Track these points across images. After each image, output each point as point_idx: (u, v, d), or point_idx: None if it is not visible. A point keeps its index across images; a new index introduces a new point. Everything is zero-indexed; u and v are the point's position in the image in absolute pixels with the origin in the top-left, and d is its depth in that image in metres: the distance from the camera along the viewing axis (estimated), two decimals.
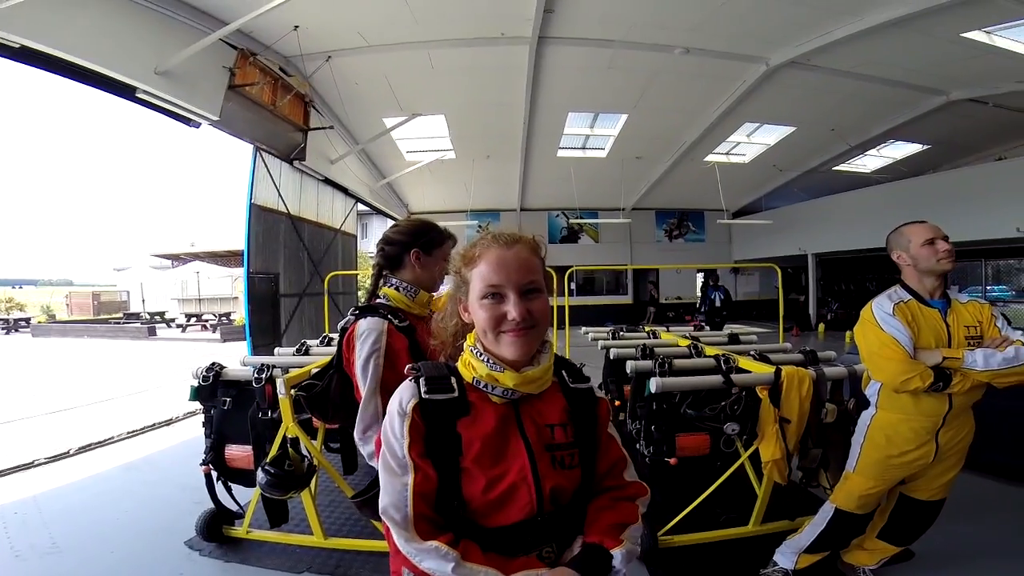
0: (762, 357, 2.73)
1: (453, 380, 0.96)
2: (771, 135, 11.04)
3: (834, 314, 13.53)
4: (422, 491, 0.89)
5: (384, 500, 0.90)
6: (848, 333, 9.80)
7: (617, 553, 0.89)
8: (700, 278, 17.31)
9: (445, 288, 1.53)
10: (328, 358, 2.19)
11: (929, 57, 7.35)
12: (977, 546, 2.47)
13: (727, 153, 12.01)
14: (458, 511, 0.90)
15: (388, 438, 0.93)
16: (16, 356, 11.08)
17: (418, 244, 1.68)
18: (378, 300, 1.68)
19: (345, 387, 1.66)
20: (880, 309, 1.91)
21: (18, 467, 3.75)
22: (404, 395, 0.95)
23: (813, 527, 2.16)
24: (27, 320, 17.45)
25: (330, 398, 1.73)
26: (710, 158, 11.90)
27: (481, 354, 0.94)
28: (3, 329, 16.55)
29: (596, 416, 1.02)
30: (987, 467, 3.12)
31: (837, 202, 12.39)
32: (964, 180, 9.79)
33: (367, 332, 1.53)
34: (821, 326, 12.74)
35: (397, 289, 1.66)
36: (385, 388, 1.53)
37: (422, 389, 0.94)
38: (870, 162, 12.51)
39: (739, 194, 14.46)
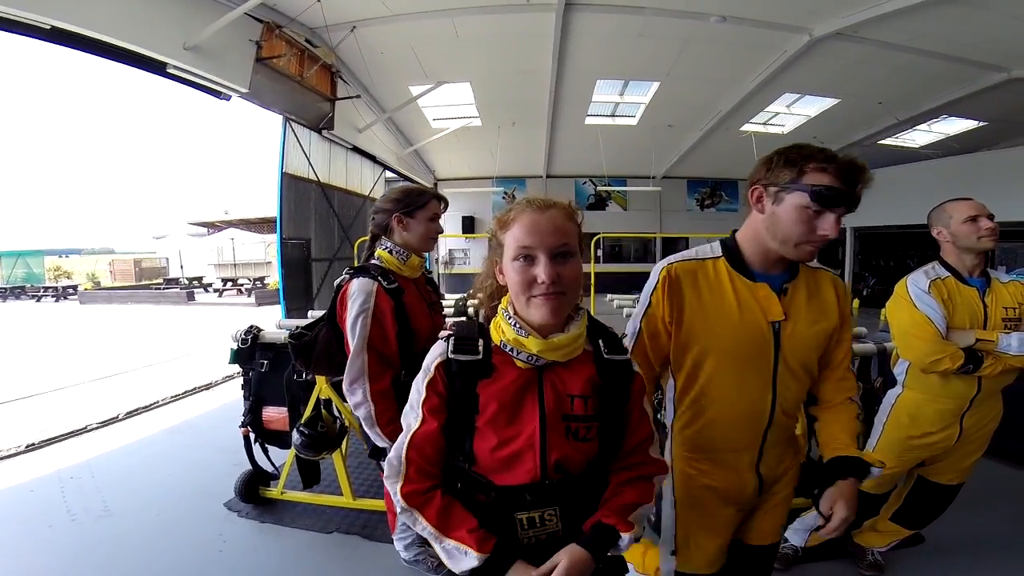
0: None
1: (480, 343, 0.99)
2: (812, 106, 10.49)
3: (871, 290, 13.07)
4: (419, 442, 0.96)
5: (394, 447, 1.00)
6: (883, 310, 9.45)
7: (626, 537, 0.94)
8: None
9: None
10: None
11: (989, 33, 6.78)
12: (990, 535, 2.42)
13: (764, 123, 11.51)
14: (464, 465, 0.96)
15: (412, 392, 1.01)
16: (67, 323, 11.67)
17: (399, 209, 1.77)
18: (372, 262, 1.77)
19: (336, 340, 1.77)
20: (915, 286, 1.85)
21: (73, 432, 3.97)
22: (434, 352, 1.00)
23: None
24: (75, 287, 18.28)
25: (316, 348, 1.84)
26: (746, 128, 11.43)
27: (511, 317, 0.96)
28: (53, 297, 17.41)
29: (629, 392, 1.01)
30: (1007, 453, 3.00)
31: (882, 176, 11.52)
32: (1021, 159, 9.15)
33: (357, 292, 1.63)
34: (856, 301, 12.21)
35: (390, 252, 1.77)
36: (371, 345, 1.62)
37: (450, 348, 0.98)
38: (919, 137, 11.79)
39: None
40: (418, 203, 1.79)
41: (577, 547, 0.91)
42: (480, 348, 0.98)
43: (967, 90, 8.67)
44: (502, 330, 0.97)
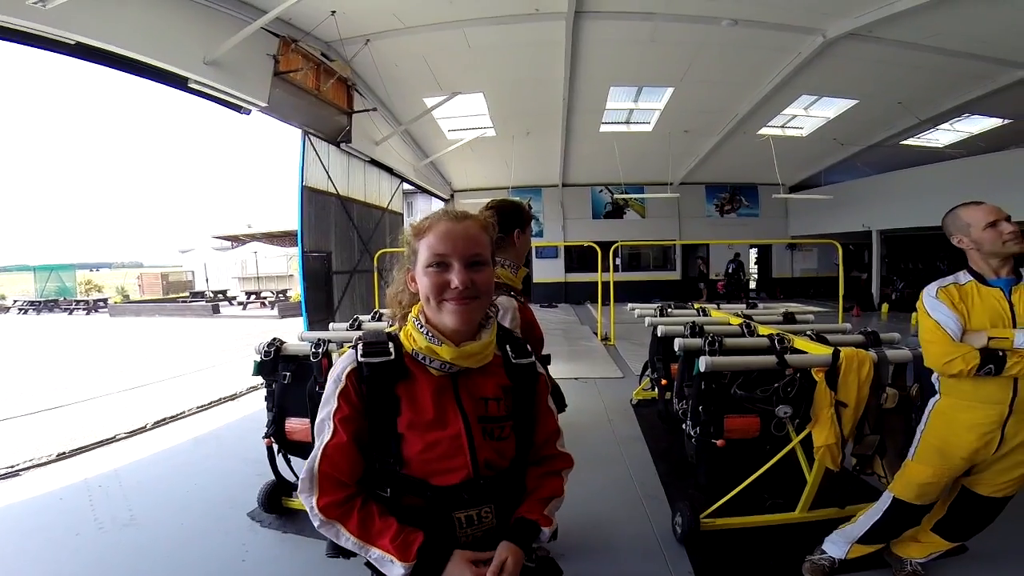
0: (819, 338, 2.60)
1: (391, 345, 0.99)
2: (831, 108, 10.38)
3: (899, 294, 12.75)
4: (331, 453, 0.94)
5: (307, 461, 0.96)
6: (914, 314, 9.21)
7: (546, 531, 1.02)
8: (754, 253, 16.70)
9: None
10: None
11: (1008, 28, 6.65)
12: None
13: (782, 126, 11.39)
14: (394, 468, 0.95)
15: (322, 404, 0.98)
16: (97, 336, 11.96)
17: (518, 224, 1.78)
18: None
19: None
20: (927, 294, 1.86)
21: (102, 441, 4.05)
22: (343, 362, 0.99)
23: (868, 517, 2.08)
24: (105, 301, 18.74)
25: None
26: (764, 131, 11.33)
27: (422, 326, 0.97)
28: (84, 310, 17.88)
29: (535, 391, 1.08)
30: None
31: (906, 177, 11.56)
32: None
33: (507, 307, 1.59)
34: (885, 306, 12.03)
35: (503, 266, 1.73)
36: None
37: (359, 354, 0.97)
38: (943, 136, 11.54)
39: (796, 168, 13.75)
40: (527, 218, 1.84)
41: (512, 544, 0.95)
42: (391, 350, 0.98)
43: (988, 88, 8.49)
44: (413, 338, 0.97)
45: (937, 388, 1.92)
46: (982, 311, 1.76)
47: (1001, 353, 1.68)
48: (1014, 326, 1.71)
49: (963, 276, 1.86)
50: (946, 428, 1.85)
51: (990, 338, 1.70)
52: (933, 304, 1.82)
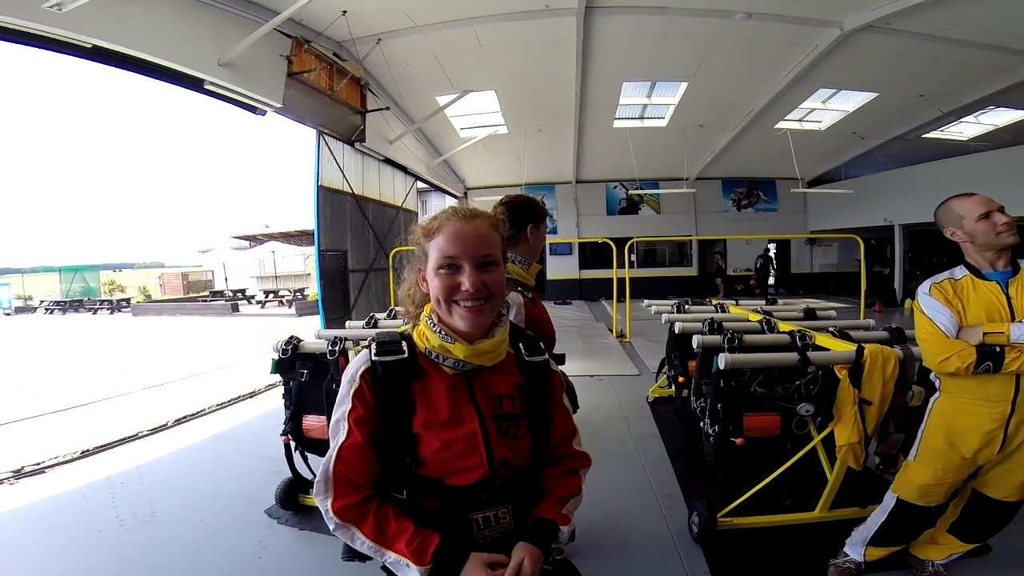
0: (842, 334, 2.54)
1: (404, 344, 0.98)
2: (849, 101, 10.14)
3: None
4: (346, 455, 0.93)
5: (322, 462, 0.96)
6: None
7: (565, 530, 1.00)
8: (773, 248, 16.49)
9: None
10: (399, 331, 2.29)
11: None
12: None
13: (800, 120, 11.18)
14: (410, 468, 0.94)
15: (336, 405, 0.98)
16: (121, 334, 12.22)
17: (532, 220, 1.76)
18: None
19: None
20: (921, 291, 1.83)
21: (125, 439, 4.12)
22: (357, 362, 0.99)
23: (874, 518, 2.04)
24: (128, 300, 19.14)
25: None
26: (781, 125, 11.13)
27: (435, 325, 0.96)
28: (108, 309, 18.28)
29: (549, 389, 1.07)
30: None
31: (929, 170, 11.26)
32: None
33: (512, 303, 1.58)
34: (908, 302, 11.77)
35: (513, 261, 1.72)
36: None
37: (372, 353, 0.97)
38: (967, 129, 11.21)
39: (815, 162, 13.50)
40: (542, 213, 1.82)
41: (530, 544, 0.93)
42: (405, 348, 0.97)
43: (1012, 80, 8.24)
44: (426, 338, 0.97)
45: (938, 386, 1.88)
46: (978, 306, 1.72)
47: (998, 349, 1.62)
48: (1012, 320, 1.65)
49: (959, 271, 1.81)
50: (947, 428, 1.80)
51: (985, 333, 1.65)
52: (927, 301, 1.79)
